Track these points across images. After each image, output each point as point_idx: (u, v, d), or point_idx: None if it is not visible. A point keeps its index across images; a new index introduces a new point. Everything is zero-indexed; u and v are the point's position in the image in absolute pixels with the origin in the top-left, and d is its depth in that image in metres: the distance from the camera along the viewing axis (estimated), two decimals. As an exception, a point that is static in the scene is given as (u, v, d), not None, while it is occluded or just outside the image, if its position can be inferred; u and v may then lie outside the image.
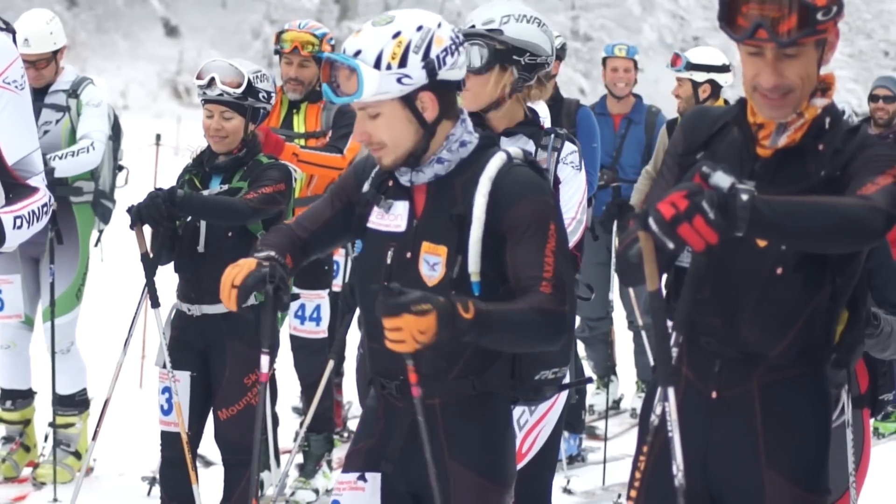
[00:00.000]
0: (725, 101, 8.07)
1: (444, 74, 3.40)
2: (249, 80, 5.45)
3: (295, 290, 6.02)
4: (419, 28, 3.38)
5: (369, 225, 3.55)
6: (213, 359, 5.48)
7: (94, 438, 5.81)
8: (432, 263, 3.43)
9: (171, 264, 5.53)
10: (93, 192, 6.94)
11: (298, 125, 6.98)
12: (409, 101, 3.39)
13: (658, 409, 3.25)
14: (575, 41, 41.19)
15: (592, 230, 7.39)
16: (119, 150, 7.19)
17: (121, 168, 7.19)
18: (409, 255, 3.46)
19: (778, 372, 3.30)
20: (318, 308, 6.88)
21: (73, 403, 6.96)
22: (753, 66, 3.20)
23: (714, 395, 3.33)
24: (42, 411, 7.12)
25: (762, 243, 3.21)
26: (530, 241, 3.36)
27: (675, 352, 3.28)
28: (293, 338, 6.93)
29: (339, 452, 6.85)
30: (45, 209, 3.96)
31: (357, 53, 3.36)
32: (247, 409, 5.44)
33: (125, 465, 7.06)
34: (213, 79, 5.41)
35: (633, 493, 3.29)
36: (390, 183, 3.53)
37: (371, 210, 3.55)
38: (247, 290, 3.40)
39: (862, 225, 3.02)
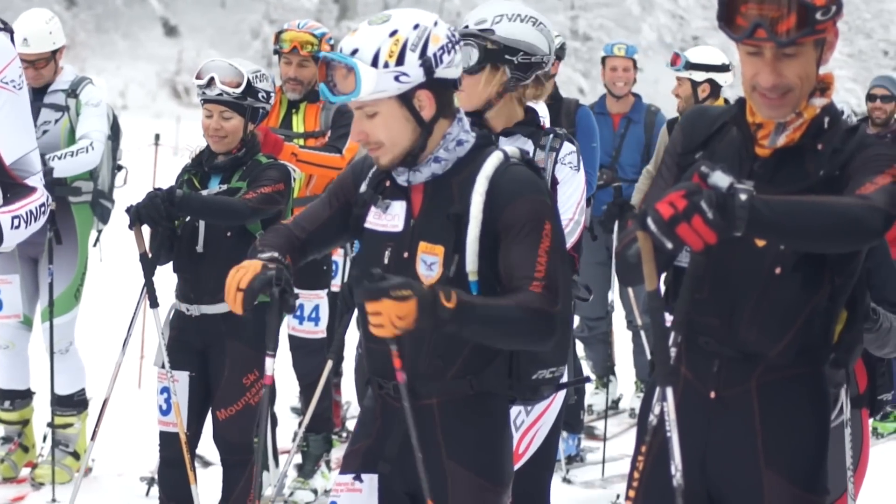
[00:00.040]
0: (725, 101, 8.07)
1: (441, 72, 3.40)
2: (249, 80, 5.44)
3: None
4: (416, 26, 3.38)
5: (366, 225, 3.55)
6: (212, 359, 5.47)
7: (92, 438, 5.81)
8: (429, 263, 3.43)
9: (170, 264, 5.52)
10: (92, 192, 6.94)
11: (297, 125, 6.98)
12: (406, 99, 3.40)
13: (656, 409, 3.25)
14: (574, 41, 41.19)
15: (591, 230, 7.39)
16: (118, 150, 7.19)
17: (120, 168, 7.19)
18: (406, 254, 3.46)
19: (776, 372, 3.29)
20: (316, 308, 6.88)
21: (72, 404, 6.96)
22: (752, 66, 3.20)
23: (713, 394, 3.32)
24: (41, 411, 7.11)
25: (761, 243, 3.20)
26: (524, 241, 3.36)
27: (673, 352, 3.28)
28: (292, 338, 6.93)
29: (338, 452, 6.85)
30: (42, 209, 3.96)
31: (354, 52, 3.36)
32: (245, 409, 5.44)
33: (124, 466, 7.05)
34: (212, 78, 5.41)
35: (632, 493, 3.29)
36: (387, 183, 3.53)
37: (368, 210, 3.55)
38: (253, 293, 3.38)
39: (861, 224, 3.02)
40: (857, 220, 3.01)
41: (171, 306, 5.58)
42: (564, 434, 7.42)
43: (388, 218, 3.51)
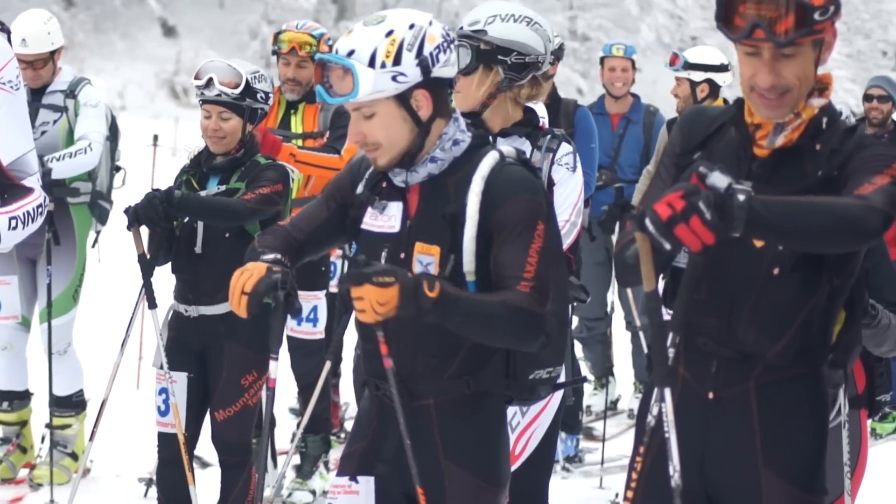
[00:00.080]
0: (725, 101, 8.07)
1: (437, 72, 3.41)
2: (247, 81, 5.44)
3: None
4: (411, 26, 3.38)
5: (363, 226, 3.55)
6: (211, 360, 5.47)
7: (91, 439, 5.80)
8: (426, 263, 3.43)
9: (169, 265, 5.52)
10: (90, 193, 6.94)
11: (296, 125, 6.98)
12: (403, 99, 3.40)
13: (655, 410, 3.24)
14: (573, 41, 41.18)
15: (589, 230, 7.39)
16: (116, 151, 7.19)
17: (118, 169, 7.19)
18: (402, 255, 3.46)
19: (775, 372, 3.29)
20: (314, 309, 6.88)
21: (70, 405, 6.95)
22: (750, 66, 3.20)
23: (711, 395, 3.32)
24: (39, 412, 7.11)
25: (759, 243, 3.20)
26: (516, 241, 3.36)
27: (671, 352, 3.28)
28: (290, 339, 6.92)
29: (336, 453, 6.85)
30: (40, 210, 3.95)
31: (350, 53, 3.36)
32: (244, 409, 5.44)
33: (122, 467, 7.05)
34: (211, 79, 5.41)
35: (630, 494, 3.29)
36: (384, 184, 3.53)
37: (365, 211, 3.55)
38: (258, 297, 3.36)
39: (859, 225, 3.01)
40: (855, 221, 3.01)
41: (169, 307, 5.57)
42: (563, 435, 7.42)
43: (385, 219, 3.51)
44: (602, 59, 8.87)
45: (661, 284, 3.31)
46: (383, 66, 3.35)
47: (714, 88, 8.24)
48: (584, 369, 8.80)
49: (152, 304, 5.53)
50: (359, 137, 3.44)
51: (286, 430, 7.50)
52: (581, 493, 7.12)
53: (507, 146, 3.56)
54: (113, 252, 7.71)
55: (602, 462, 7.37)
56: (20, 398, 7.00)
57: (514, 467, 3.98)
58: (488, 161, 3.44)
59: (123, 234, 5.46)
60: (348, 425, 7.92)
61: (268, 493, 6.27)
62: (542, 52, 4.35)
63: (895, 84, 9.23)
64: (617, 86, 8.75)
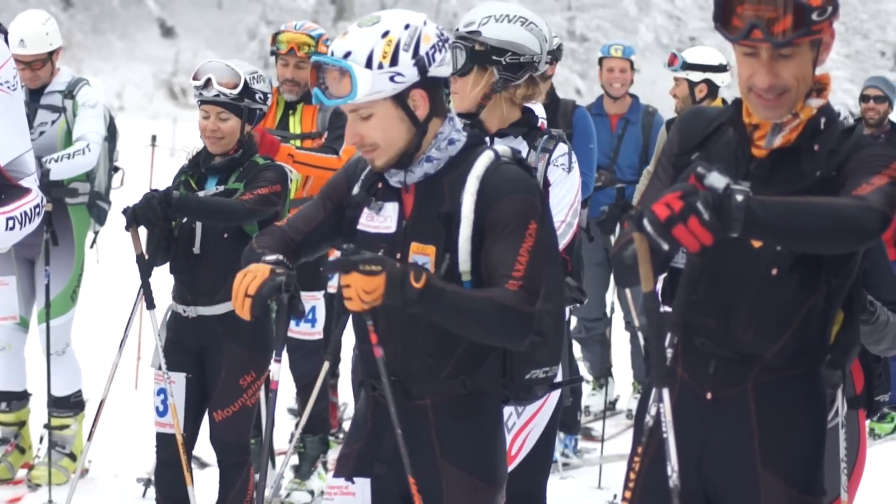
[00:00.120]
0: (723, 101, 8.07)
1: (434, 71, 3.41)
2: (246, 82, 5.44)
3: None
4: (406, 26, 3.39)
5: (359, 227, 3.55)
6: (209, 360, 5.47)
7: (89, 439, 5.80)
8: (421, 263, 3.42)
9: (167, 266, 5.52)
10: (88, 194, 6.94)
11: (294, 126, 6.98)
12: (401, 99, 3.40)
13: (653, 410, 3.24)
14: (571, 42, 41.21)
15: (588, 231, 7.39)
16: (115, 152, 7.19)
17: (116, 169, 7.19)
18: (398, 256, 3.46)
19: (773, 373, 3.29)
20: (313, 310, 6.87)
21: (69, 405, 6.95)
22: (749, 67, 3.20)
23: (709, 395, 3.32)
24: (37, 413, 7.11)
25: (757, 244, 3.20)
26: (507, 239, 3.36)
27: (670, 352, 3.27)
28: (288, 339, 6.91)
29: (335, 454, 6.84)
30: (37, 210, 3.95)
31: (347, 55, 3.36)
32: (242, 410, 5.44)
33: (120, 467, 7.05)
34: (209, 80, 5.41)
35: (628, 494, 3.29)
36: (380, 185, 3.53)
37: (361, 212, 3.55)
38: (262, 299, 3.35)
39: (857, 225, 3.01)
40: (853, 221, 3.01)
41: (167, 308, 5.57)
42: (561, 435, 7.43)
43: (381, 219, 3.51)
44: (600, 60, 8.87)
45: (659, 284, 3.31)
46: (381, 66, 3.35)
47: (712, 89, 8.24)
48: (583, 369, 8.80)
49: (151, 305, 5.53)
50: (356, 139, 3.44)
51: (284, 430, 7.49)
52: (579, 494, 7.13)
53: (502, 146, 3.56)
54: (111, 252, 7.71)
55: (601, 462, 7.37)
56: (18, 399, 7.00)
57: (510, 468, 3.98)
58: (483, 160, 3.44)
59: (122, 234, 5.46)
60: (347, 426, 7.91)
61: (266, 493, 6.27)
62: (538, 52, 4.35)
63: (891, 84, 9.25)
64: (615, 86, 8.75)
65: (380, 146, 3.43)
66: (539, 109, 4.71)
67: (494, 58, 4.29)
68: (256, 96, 5.48)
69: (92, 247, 7.04)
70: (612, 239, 7.59)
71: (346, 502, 3.55)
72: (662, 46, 40.67)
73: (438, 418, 3.49)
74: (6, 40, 4.01)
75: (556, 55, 6.88)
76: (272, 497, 6.25)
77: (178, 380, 5.45)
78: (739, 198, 2.90)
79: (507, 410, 4.10)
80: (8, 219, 3.86)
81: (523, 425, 4.29)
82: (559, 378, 3.83)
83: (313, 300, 6.85)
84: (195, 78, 5.47)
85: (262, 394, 5.75)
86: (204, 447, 5.81)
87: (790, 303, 3.25)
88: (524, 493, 4.37)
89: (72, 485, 5.88)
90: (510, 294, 3.32)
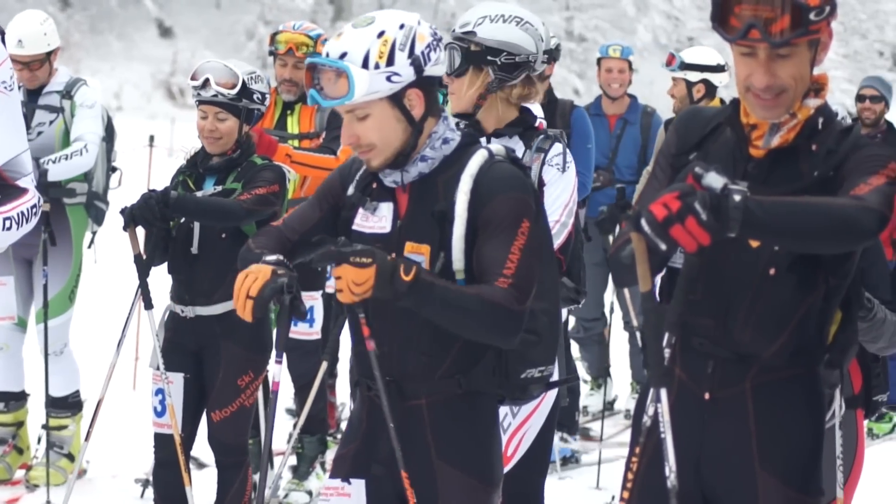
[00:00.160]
0: (722, 101, 8.07)
1: (429, 70, 3.42)
2: (244, 82, 5.44)
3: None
4: (401, 26, 3.40)
5: (354, 227, 3.55)
6: (207, 360, 5.47)
7: (86, 440, 5.80)
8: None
9: (165, 266, 5.52)
10: (86, 194, 6.94)
11: (292, 126, 6.98)
12: (397, 99, 3.41)
13: (650, 411, 3.24)
14: (569, 42, 41.18)
15: (586, 231, 7.38)
16: (113, 152, 7.19)
17: (114, 169, 7.19)
18: (394, 256, 3.45)
19: (771, 373, 3.29)
20: (311, 309, 6.87)
21: (67, 405, 6.95)
22: (746, 67, 3.20)
23: (707, 396, 3.32)
24: (35, 413, 7.11)
25: (755, 244, 3.20)
26: (499, 237, 3.37)
27: (667, 353, 3.27)
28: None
29: (333, 454, 6.84)
30: (34, 210, 3.95)
31: (343, 55, 3.36)
32: (240, 410, 5.44)
33: (118, 467, 7.05)
34: (207, 80, 5.40)
35: (626, 495, 3.28)
36: (374, 185, 3.54)
37: (356, 213, 3.55)
38: (264, 301, 3.34)
39: (855, 225, 3.01)
40: (851, 221, 3.01)
41: (165, 308, 5.57)
42: (561, 443, 7.43)
43: (376, 220, 3.52)
44: (599, 61, 8.87)
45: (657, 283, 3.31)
46: (377, 66, 3.35)
47: (710, 89, 8.24)
48: (581, 370, 8.79)
49: (148, 305, 5.53)
50: (352, 139, 3.44)
51: (283, 430, 7.49)
52: (577, 494, 7.12)
53: (496, 145, 3.57)
54: (109, 253, 7.70)
55: (599, 462, 7.37)
56: (16, 399, 6.99)
57: (506, 469, 3.98)
58: (477, 159, 3.45)
59: (120, 234, 5.46)
60: (345, 426, 7.91)
61: (265, 493, 6.27)
62: (533, 51, 4.35)
63: (887, 84, 9.26)
64: (614, 87, 8.75)
65: (376, 146, 3.43)
66: (537, 109, 4.71)
67: (489, 58, 4.29)
68: (254, 96, 5.48)
69: (90, 247, 7.03)
70: (611, 239, 7.59)
71: (341, 503, 3.54)
72: (661, 46, 40.65)
73: (434, 418, 3.49)
74: (3, 41, 4.00)
75: (554, 55, 6.87)
76: (270, 497, 6.25)
77: (176, 380, 5.45)
78: (737, 198, 2.90)
79: (503, 411, 4.10)
80: (5, 219, 3.85)
81: (519, 425, 4.29)
82: (555, 377, 3.82)
83: (311, 300, 6.85)
84: (193, 78, 5.47)
85: (260, 394, 5.75)
86: (202, 447, 5.81)
87: (788, 303, 3.25)
88: (521, 493, 4.37)
89: (69, 485, 5.88)
90: (499, 291, 3.32)
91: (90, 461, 6.94)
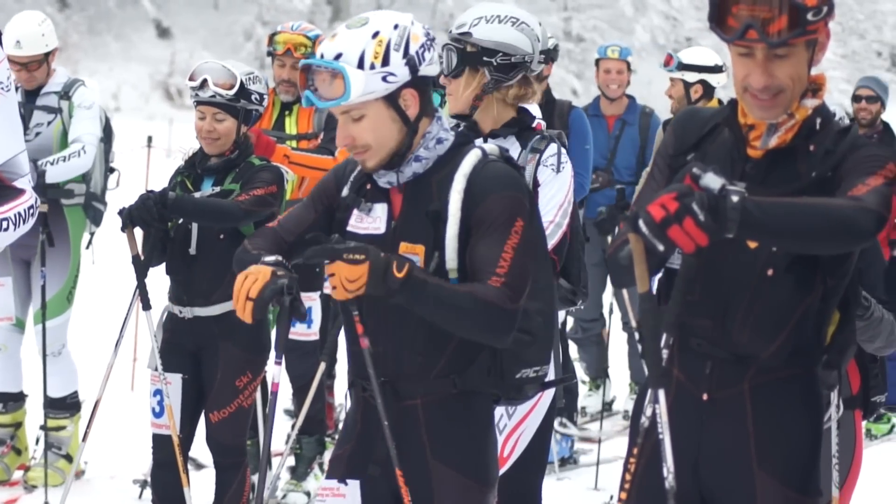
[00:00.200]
0: (719, 102, 8.07)
1: (424, 70, 3.43)
2: (242, 82, 5.44)
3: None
4: (396, 26, 3.40)
5: (349, 228, 3.55)
6: (205, 361, 5.47)
7: (84, 440, 5.79)
8: None
9: (163, 266, 5.52)
10: (84, 195, 6.94)
11: (290, 127, 6.98)
12: (392, 99, 3.41)
13: (648, 411, 3.24)
14: (567, 42, 41.20)
15: (584, 231, 7.38)
16: (110, 153, 7.19)
17: (112, 170, 7.19)
18: (387, 254, 3.45)
19: (769, 373, 3.29)
20: (309, 310, 6.86)
21: (65, 406, 6.95)
22: (744, 67, 3.20)
23: (705, 396, 3.32)
24: (33, 414, 7.11)
25: (753, 245, 3.20)
26: (492, 236, 3.37)
27: (665, 353, 3.27)
28: (285, 340, 6.91)
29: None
30: (31, 211, 3.95)
31: (338, 56, 3.36)
32: (238, 411, 5.44)
33: (116, 468, 7.05)
34: (205, 80, 5.41)
35: (624, 495, 3.28)
36: (368, 186, 3.54)
37: (351, 214, 3.55)
38: (264, 302, 3.34)
39: (853, 226, 3.01)
40: (849, 222, 3.01)
41: (163, 308, 5.57)
42: (558, 436, 7.42)
43: (370, 221, 3.52)
44: (597, 61, 8.87)
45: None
46: (373, 67, 3.36)
47: (708, 89, 8.24)
48: (580, 370, 8.79)
49: (146, 306, 5.53)
50: (348, 140, 3.44)
51: (281, 431, 7.49)
52: (576, 494, 7.12)
53: (490, 144, 3.57)
54: (107, 253, 7.70)
55: (598, 463, 7.37)
56: (14, 400, 6.99)
57: (503, 470, 3.98)
58: (470, 159, 3.45)
59: (118, 235, 5.46)
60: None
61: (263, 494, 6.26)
62: (529, 52, 4.35)
63: (883, 84, 9.25)
64: (612, 88, 8.75)
65: (372, 147, 3.43)
66: (536, 110, 4.72)
67: (485, 59, 4.29)
68: (252, 97, 5.48)
69: (88, 248, 7.04)
70: (610, 240, 7.59)
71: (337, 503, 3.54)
72: (659, 47, 40.67)
73: (429, 418, 3.49)
74: (1, 41, 3.99)
75: (551, 56, 6.88)
76: (268, 498, 6.25)
77: (175, 381, 5.45)
78: (735, 198, 2.90)
79: (498, 412, 4.10)
80: (2, 220, 3.85)
81: (515, 426, 4.29)
82: (550, 377, 3.82)
83: (309, 301, 6.85)
84: (191, 79, 5.47)
85: (258, 395, 5.75)
86: (200, 448, 5.81)
87: (786, 303, 3.25)
88: (519, 494, 4.36)
89: (67, 486, 5.88)
90: (492, 290, 3.32)
91: (88, 462, 6.94)
